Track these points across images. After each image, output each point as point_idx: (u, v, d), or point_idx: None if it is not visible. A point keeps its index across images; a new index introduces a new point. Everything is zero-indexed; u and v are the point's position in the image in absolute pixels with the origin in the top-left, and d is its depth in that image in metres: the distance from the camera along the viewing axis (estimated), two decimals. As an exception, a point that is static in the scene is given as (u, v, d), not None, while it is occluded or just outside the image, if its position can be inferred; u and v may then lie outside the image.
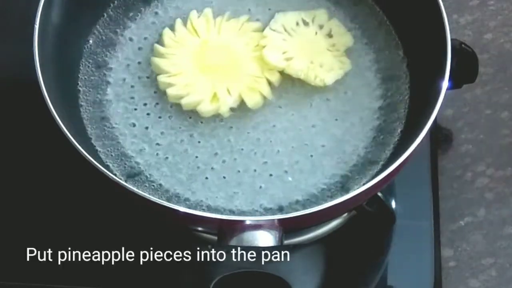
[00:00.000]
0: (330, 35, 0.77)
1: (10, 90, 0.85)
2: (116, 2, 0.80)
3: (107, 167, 0.71)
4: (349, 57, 0.77)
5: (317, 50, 0.76)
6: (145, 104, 0.75)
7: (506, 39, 0.90)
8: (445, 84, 0.69)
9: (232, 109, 0.74)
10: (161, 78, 0.75)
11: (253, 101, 0.74)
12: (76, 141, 0.66)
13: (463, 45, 0.78)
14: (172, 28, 0.78)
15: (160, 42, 0.77)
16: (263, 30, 0.78)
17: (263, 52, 0.76)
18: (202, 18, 0.78)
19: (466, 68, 0.79)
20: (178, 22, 0.78)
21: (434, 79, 0.70)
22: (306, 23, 0.78)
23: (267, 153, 0.73)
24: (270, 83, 0.75)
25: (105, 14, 0.79)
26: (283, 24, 0.77)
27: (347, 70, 0.76)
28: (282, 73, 0.76)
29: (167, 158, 0.73)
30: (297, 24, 0.78)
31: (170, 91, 0.74)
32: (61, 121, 0.67)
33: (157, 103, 0.75)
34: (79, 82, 0.76)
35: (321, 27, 0.78)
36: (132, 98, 0.75)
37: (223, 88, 0.74)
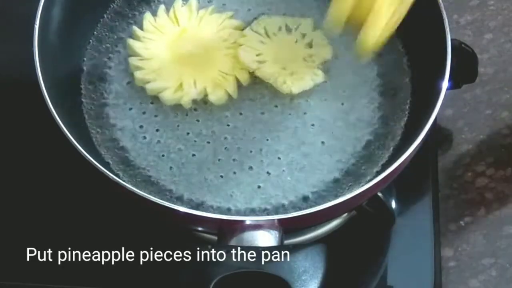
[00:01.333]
0: (310, 45, 0.77)
1: (10, 90, 0.85)
2: (116, 1, 0.80)
3: (107, 166, 0.71)
4: (349, 57, 0.77)
5: (293, 58, 0.76)
6: (141, 103, 0.75)
7: (506, 39, 0.90)
8: (445, 84, 0.69)
9: (217, 105, 0.74)
10: (132, 60, 0.76)
11: (216, 96, 0.74)
12: (76, 141, 0.66)
13: (463, 45, 0.78)
14: (154, 13, 0.78)
15: (141, 25, 0.78)
16: (243, 29, 0.77)
17: (237, 51, 0.75)
18: (186, 7, 0.79)
19: (466, 68, 0.79)
20: (161, 8, 0.78)
21: (434, 79, 0.70)
22: (289, 30, 0.77)
23: (264, 152, 0.73)
24: (238, 82, 0.75)
25: (105, 15, 0.79)
26: (265, 27, 0.77)
27: (318, 82, 0.75)
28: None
29: (163, 156, 0.73)
30: (280, 29, 0.77)
31: (137, 74, 0.75)
32: (61, 121, 0.67)
33: (152, 102, 0.75)
34: (79, 82, 0.76)
35: (303, 35, 0.77)
36: (130, 96, 0.76)
37: (190, 79, 0.74)
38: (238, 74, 0.75)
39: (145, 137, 0.74)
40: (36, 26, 0.71)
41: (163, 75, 0.75)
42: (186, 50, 0.76)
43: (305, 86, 0.75)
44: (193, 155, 0.73)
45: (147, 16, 0.78)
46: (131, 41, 0.77)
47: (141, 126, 0.74)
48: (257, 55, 0.76)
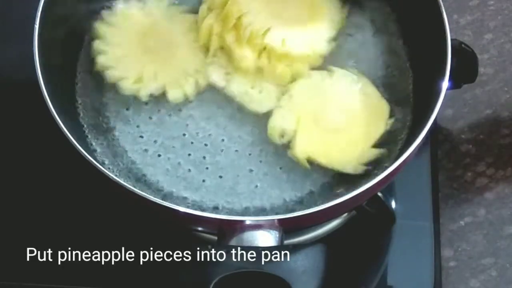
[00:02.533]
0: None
1: (10, 90, 0.85)
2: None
3: (106, 166, 0.71)
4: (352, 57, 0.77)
5: (262, 76, 0.75)
6: (138, 103, 0.75)
7: (506, 39, 0.90)
8: (445, 84, 0.69)
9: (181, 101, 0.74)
10: (96, 44, 0.75)
11: (174, 95, 0.74)
12: (76, 141, 0.66)
13: (463, 45, 0.78)
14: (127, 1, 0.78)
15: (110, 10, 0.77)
16: None
17: (206, 69, 0.75)
18: (159, 1, 0.78)
19: (466, 68, 0.79)
20: None
21: (434, 79, 0.70)
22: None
23: (263, 154, 0.73)
24: (198, 85, 0.75)
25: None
26: None
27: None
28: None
29: (159, 155, 0.73)
30: None
31: (99, 59, 0.74)
32: (61, 121, 0.67)
33: (146, 103, 0.75)
34: (78, 82, 0.76)
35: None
36: (128, 97, 0.75)
37: (151, 72, 0.74)
38: (199, 78, 0.75)
39: (142, 137, 0.74)
40: (36, 26, 0.71)
41: (125, 63, 0.74)
42: (152, 43, 0.76)
43: (273, 106, 0.74)
44: (189, 154, 0.73)
45: (119, 2, 0.77)
46: (98, 24, 0.76)
47: (138, 126, 0.74)
48: (226, 74, 0.75)
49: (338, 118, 0.72)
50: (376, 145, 0.72)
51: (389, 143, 0.73)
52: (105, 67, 0.74)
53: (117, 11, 0.77)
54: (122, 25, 0.76)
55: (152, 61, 0.75)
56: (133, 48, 0.75)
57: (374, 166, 0.71)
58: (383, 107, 0.73)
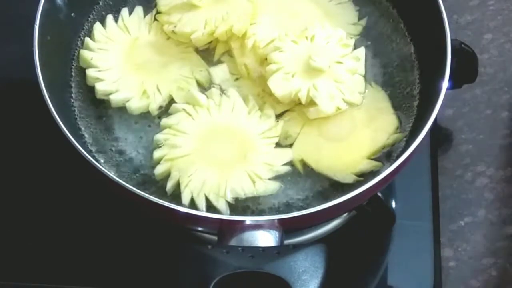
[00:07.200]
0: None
1: (10, 90, 0.85)
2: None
3: (104, 165, 0.71)
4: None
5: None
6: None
7: (506, 39, 0.90)
8: (445, 84, 0.69)
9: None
10: (90, 72, 0.74)
11: (183, 99, 0.73)
12: (76, 141, 0.66)
13: (463, 45, 0.78)
14: (103, 23, 0.77)
15: (91, 36, 0.77)
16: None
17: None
18: (134, 15, 0.78)
19: (466, 68, 0.79)
20: (109, 18, 0.77)
21: (434, 79, 0.70)
22: None
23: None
24: (199, 83, 0.75)
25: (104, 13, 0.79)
26: None
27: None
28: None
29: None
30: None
31: (98, 86, 0.74)
32: (61, 121, 0.67)
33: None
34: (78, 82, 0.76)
35: None
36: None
37: (152, 85, 0.74)
38: (198, 76, 0.75)
39: (142, 137, 0.73)
40: (36, 26, 0.71)
41: (124, 85, 0.74)
42: (142, 58, 0.75)
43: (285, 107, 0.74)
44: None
45: (97, 26, 0.77)
46: (85, 53, 0.75)
47: (141, 132, 0.74)
48: (235, 79, 0.75)
49: (342, 129, 0.72)
50: (373, 158, 0.72)
51: (387, 157, 0.72)
52: (107, 93, 0.73)
53: (96, 35, 0.76)
54: (107, 47, 0.76)
55: (148, 74, 0.74)
56: (125, 68, 0.75)
57: (367, 177, 0.70)
58: (392, 121, 0.73)
